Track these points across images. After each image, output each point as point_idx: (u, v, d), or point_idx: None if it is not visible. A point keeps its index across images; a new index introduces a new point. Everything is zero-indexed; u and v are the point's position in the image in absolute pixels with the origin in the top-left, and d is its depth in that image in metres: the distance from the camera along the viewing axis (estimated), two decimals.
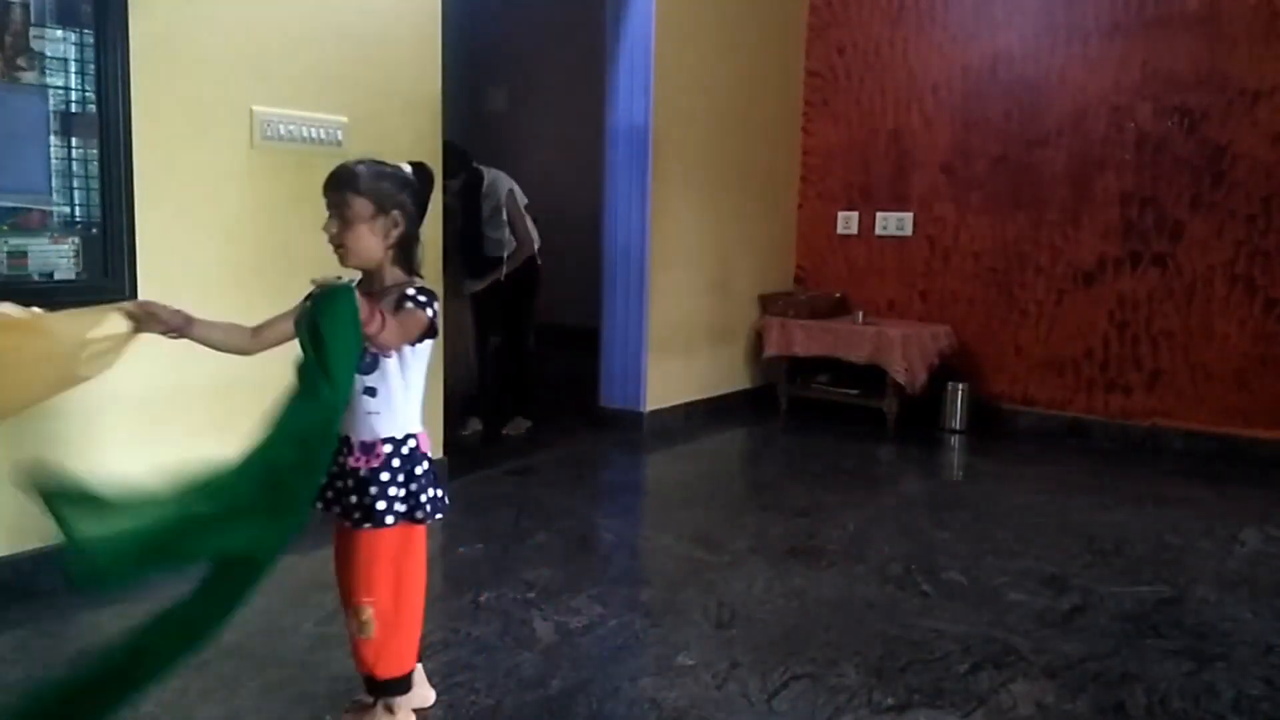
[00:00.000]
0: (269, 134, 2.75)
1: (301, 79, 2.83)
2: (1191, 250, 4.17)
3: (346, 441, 1.71)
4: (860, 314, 4.77)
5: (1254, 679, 2.09)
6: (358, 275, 1.81)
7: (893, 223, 4.94)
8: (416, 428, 1.74)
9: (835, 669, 2.08)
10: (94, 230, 2.40)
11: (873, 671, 2.07)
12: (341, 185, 1.70)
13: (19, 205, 2.28)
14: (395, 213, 1.72)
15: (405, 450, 1.71)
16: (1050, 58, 4.43)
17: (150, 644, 1.46)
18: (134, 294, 2.48)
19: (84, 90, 2.36)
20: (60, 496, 1.45)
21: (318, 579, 2.52)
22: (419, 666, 1.84)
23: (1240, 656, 2.19)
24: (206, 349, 2.69)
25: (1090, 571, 2.71)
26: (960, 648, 2.20)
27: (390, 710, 1.77)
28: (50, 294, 2.34)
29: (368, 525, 1.69)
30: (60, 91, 2.32)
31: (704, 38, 4.47)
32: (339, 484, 1.72)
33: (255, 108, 2.72)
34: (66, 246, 2.36)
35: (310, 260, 2.89)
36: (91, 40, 2.35)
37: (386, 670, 1.74)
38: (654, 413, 4.38)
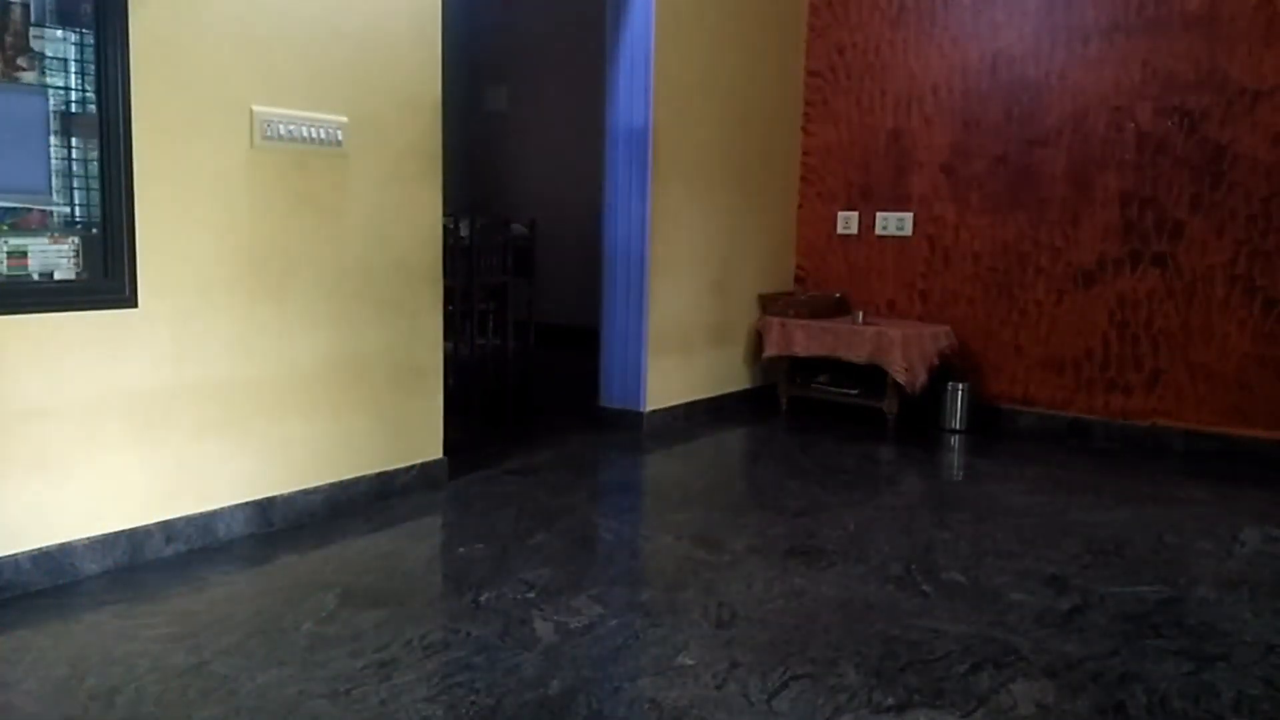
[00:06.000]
0: (269, 134, 2.75)
1: (301, 79, 2.83)
2: (1191, 250, 4.18)
3: None
4: (860, 314, 4.77)
5: (1254, 679, 2.09)
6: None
7: (893, 223, 4.94)
8: None
9: (835, 669, 2.08)
10: (94, 230, 2.40)
11: (873, 671, 2.07)
12: None
13: (19, 205, 2.28)
14: None
15: None
16: (1050, 58, 4.43)
17: None
18: (134, 294, 2.49)
19: (84, 90, 2.36)
20: None
21: (318, 579, 2.53)
22: None
23: (1240, 656, 2.19)
24: (204, 349, 2.70)
25: (1090, 571, 2.71)
26: (960, 648, 2.20)
27: None
28: (50, 294, 2.35)
29: None
30: (60, 91, 2.32)
31: (704, 38, 4.47)
32: None
33: (255, 108, 2.72)
34: (66, 246, 2.36)
35: (310, 260, 2.91)
36: (91, 40, 2.35)
37: None
38: (654, 412, 4.39)
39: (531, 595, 2.44)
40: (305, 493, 2.95)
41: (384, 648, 2.13)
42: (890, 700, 1.95)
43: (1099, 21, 4.30)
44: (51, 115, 2.31)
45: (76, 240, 2.38)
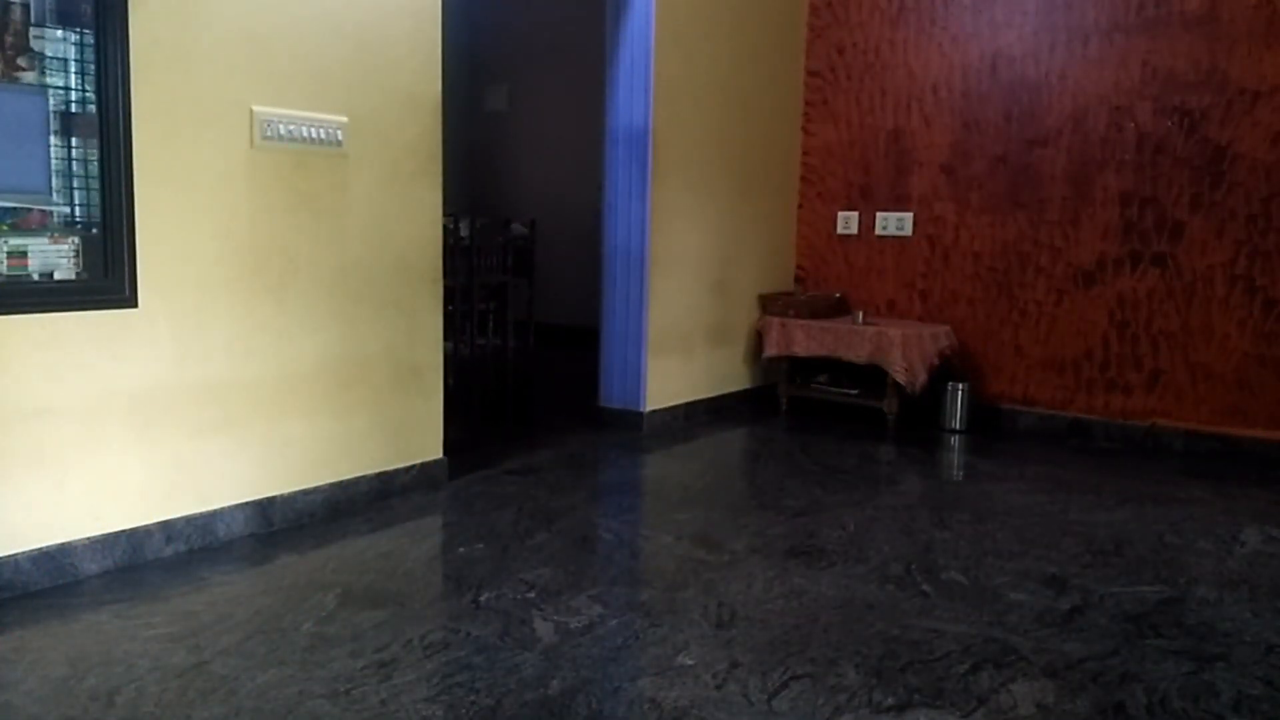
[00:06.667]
0: (269, 134, 2.75)
1: (301, 79, 2.83)
2: (1191, 250, 4.18)
3: None
4: (860, 314, 4.77)
5: (1254, 679, 2.09)
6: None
7: (893, 223, 4.94)
8: None
9: (835, 669, 2.08)
10: (94, 230, 2.40)
11: (873, 671, 2.08)
12: None
13: (19, 205, 2.28)
14: None
15: None
16: (1050, 58, 4.43)
17: None
18: (134, 294, 2.49)
19: (84, 90, 2.36)
20: None
21: (318, 579, 2.53)
22: None
23: (1240, 656, 2.19)
24: (204, 349, 2.70)
25: (1090, 571, 2.71)
26: (960, 648, 2.20)
27: None
28: (50, 294, 2.35)
29: None
30: (60, 91, 2.32)
31: (704, 38, 4.47)
32: None
33: (255, 108, 2.72)
34: (66, 246, 2.36)
35: (310, 260, 2.91)
36: (91, 40, 2.35)
37: None
38: (654, 413, 4.39)
39: (531, 595, 2.44)
40: (305, 493, 2.95)
41: (384, 648, 2.13)
42: (890, 700, 1.95)
43: (1099, 21, 4.30)
44: (51, 115, 2.31)
45: (76, 240, 2.38)
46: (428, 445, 3.36)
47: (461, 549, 2.80)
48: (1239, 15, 4.00)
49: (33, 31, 2.26)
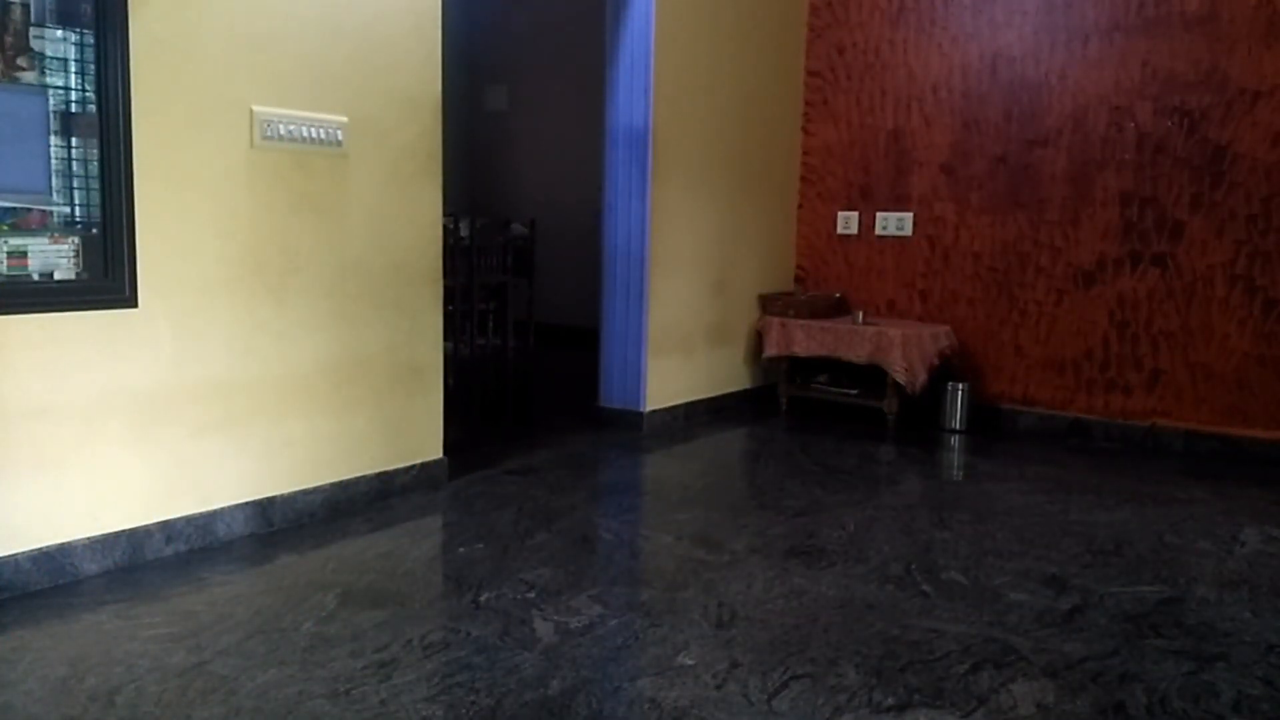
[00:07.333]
0: (269, 134, 2.75)
1: (301, 79, 2.83)
2: (1191, 250, 4.18)
3: None
4: (860, 314, 4.77)
5: (1254, 679, 2.09)
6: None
7: (893, 223, 4.94)
8: None
9: (835, 669, 2.08)
10: (94, 230, 2.40)
11: (873, 671, 2.08)
12: None
13: (19, 205, 2.28)
14: None
15: None
16: (1050, 58, 4.43)
17: None
18: (134, 294, 2.49)
19: (84, 90, 2.36)
20: None
21: (318, 579, 2.53)
22: None
23: (1240, 656, 2.19)
24: (204, 349, 2.70)
25: (1090, 571, 2.71)
26: (960, 648, 2.20)
27: None
28: (50, 294, 2.34)
29: None
30: (60, 91, 2.32)
31: (704, 38, 4.47)
32: None
33: (255, 108, 2.72)
34: (66, 246, 2.36)
35: (310, 260, 2.91)
36: (91, 40, 2.35)
37: None
38: (654, 413, 4.39)
39: (531, 595, 2.44)
40: (305, 493, 2.95)
41: (384, 648, 2.13)
42: (890, 700, 1.95)
43: (1099, 21, 4.30)
44: (51, 115, 2.31)
45: (76, 240, 2.38)
46: (427, 445, 3.36)
47: (461, 549, 2.80)
48: (1239, 15, 4.00)
49: (33, 31, 2.26)
